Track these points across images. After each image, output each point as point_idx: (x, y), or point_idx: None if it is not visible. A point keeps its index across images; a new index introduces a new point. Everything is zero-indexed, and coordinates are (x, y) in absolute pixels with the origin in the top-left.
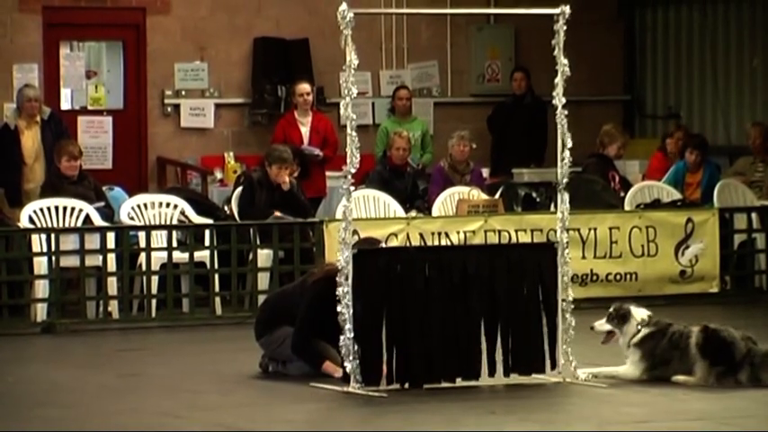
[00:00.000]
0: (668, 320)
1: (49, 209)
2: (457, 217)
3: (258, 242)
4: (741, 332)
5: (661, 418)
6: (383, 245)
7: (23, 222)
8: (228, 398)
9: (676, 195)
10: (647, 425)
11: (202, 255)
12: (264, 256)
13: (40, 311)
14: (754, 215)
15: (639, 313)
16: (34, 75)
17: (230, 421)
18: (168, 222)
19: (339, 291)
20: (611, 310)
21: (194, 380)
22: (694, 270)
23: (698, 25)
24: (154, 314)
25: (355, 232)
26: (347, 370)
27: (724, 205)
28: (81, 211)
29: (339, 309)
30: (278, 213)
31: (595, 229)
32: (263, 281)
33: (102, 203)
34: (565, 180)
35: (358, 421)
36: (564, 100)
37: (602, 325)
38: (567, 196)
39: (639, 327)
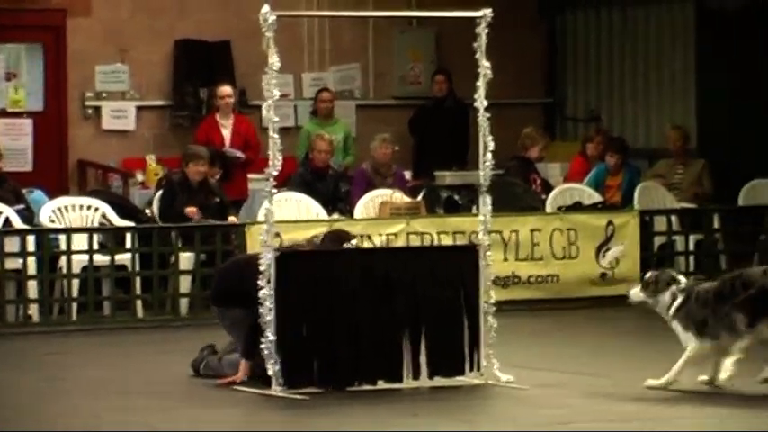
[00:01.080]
0: (700, 280)
1: None
2: (379, 219)
3: (180, 245)
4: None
5: (582, 419)
6: (354, 241)
7: None
8: (153, 400)
9: (597, 198)
10: (568, 425)
11: (124, 258)
12: (186, 258)
13: None
14: (673, 218)
15: (675, 281)
16: None
17: (156, 423)
18: (89, 225)
19: (261, 293)
20: (647, 276)
21: (119, 383)
22: (615, 272)
23: (619, 28)
24: (74, 317)
25: (277, 235)
26: (269, 373)
27: (644, 208)
28: (0, 213)
29: (261, 310)
30: (193, 209)
31: (517, 232)
32: (185, 284)
33: (22, 206)
34: (486, 182)
35: (280, 424)
36: (485, 102)
37: (637, 294)
38: (488, 199)
39: (674, 295)
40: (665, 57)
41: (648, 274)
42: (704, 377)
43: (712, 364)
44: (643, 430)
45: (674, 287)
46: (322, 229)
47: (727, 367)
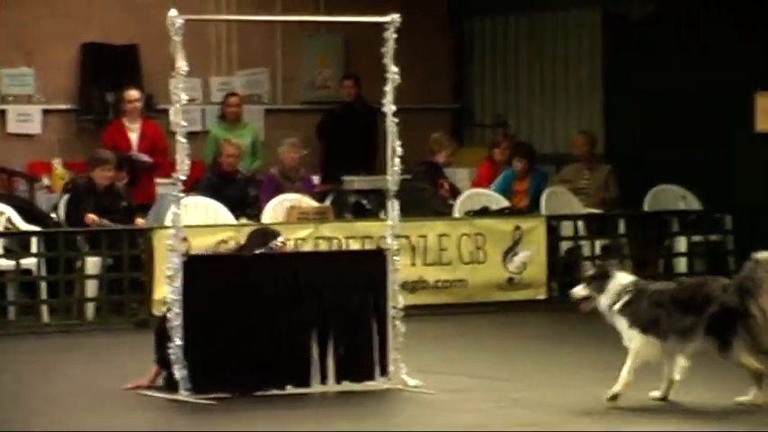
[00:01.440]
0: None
1: None
2: (287, 224)
3: (86, 249)
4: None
5: (491, 425)
6: (281, 239)
7: None
8: (58, 405)
9: (504, 203)
10: (477, 430)
11: (29, 262)
12: (93, 263)
13: None
14: (580, 223)
15: (621, 278)
16: None
17: (60, 428)
18: None
19: (168, 298)
20: (590, 272)
21: (24, 388)
22: (522, 277)
23: (527, 34)
24: None
25: (185, 239)
26: (176, 377)
27: (551, 213)
28: None
29: (168, 315)
30: (93, 216)
31: (425, 237)
32: (92, 288)
33: None
34: (395, 187)
35: (187, 429)
36: (394, 108)
37: (580, 291)
38: (396, 203)
39: (619, 292)
40: (571, 63)
41: (591, 270)
42: (656, 393)
43: (664, 379)
44: None
45: (619, 283)
46: (230, 233)
47: (682, 369)
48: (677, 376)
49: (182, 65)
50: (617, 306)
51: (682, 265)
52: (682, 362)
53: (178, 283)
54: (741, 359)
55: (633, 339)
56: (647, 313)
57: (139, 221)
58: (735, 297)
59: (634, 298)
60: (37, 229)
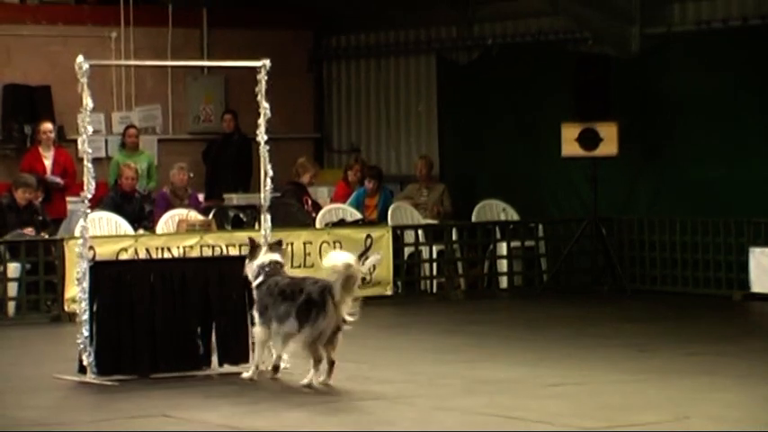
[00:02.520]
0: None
1: None
2: (177, 234)
3: (8, 257)
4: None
5: (344, 399)
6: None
7: None
8: None
9: (358, 216)
10: (334, 405)
11: None
12: (13, 267)
13: None
14: (420, 231)
15: (267, 256)
16: None
17: None
18: None
19: (77, 296)
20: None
21: None
22: (373, 277)
23: (374, 76)
24: None
25: (91, 248)
26: (84, 363)
27: (396, 224)
28: None
29: (77, 311)
30: (28, 230)
31: (292, 244)
32: (13, 289)
33: None
34: (267, 203)
35: (93, 406)
36: (266, 137)
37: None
38: (269, 216)
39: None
40: (412, 99)
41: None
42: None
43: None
44: (396, 403)
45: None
46: (129, 243)
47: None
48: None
49: (88, 102)
50: (255, 283)
51: (503, 265)
52: (290, 347)
53: (86, 284)
54: (304, 342)
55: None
56: (263, 300)
57: (27, 231)
58: (319, 293)
59: (261, 284)
60: None
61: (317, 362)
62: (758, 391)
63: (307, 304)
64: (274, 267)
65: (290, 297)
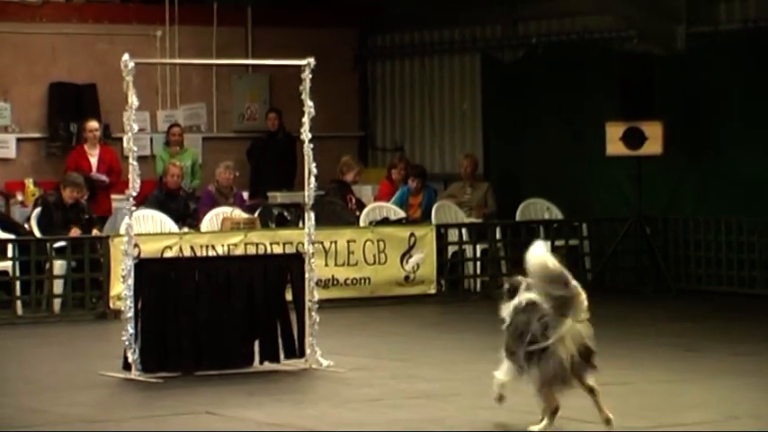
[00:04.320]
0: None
1: None
2: (222, 232)
3: (54, 254)
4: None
5: (390, 397)
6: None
7: None
8: (31, 385)
9: (401, 214)
10: (380, 401)
11: (5, 265)
12: (59, 265)
13: None
14: (464, 230)
15: (524, 295)
16: None
17: (34, 405)
18: None
19: (122, 293)
20: (506, 286)
21: (2, 370)
22: (416, 275)
23: (419, 75)
24: None
25: (136, 245)
26: (129, 360)
27: (440, 222)
28: None
29: (122, 308)
30: (77, 230)
31: (336, 242)
32: (58, 286)
33: None
34: (311, 202)
35: (137, 403)
36: (310, 135)
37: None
38: (312, 215)
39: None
40: (456, 98)
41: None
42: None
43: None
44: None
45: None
46: (174, 240)
47: None
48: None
49: (133, 100)
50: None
51: None
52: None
53: (131, 281)
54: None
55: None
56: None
57: (75, 232)
58: (542, 331)
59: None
60: (12, 237)
61: (550, 411)
62: None
63: (530, 345)
64: (528, 307)
65: (520, 337)
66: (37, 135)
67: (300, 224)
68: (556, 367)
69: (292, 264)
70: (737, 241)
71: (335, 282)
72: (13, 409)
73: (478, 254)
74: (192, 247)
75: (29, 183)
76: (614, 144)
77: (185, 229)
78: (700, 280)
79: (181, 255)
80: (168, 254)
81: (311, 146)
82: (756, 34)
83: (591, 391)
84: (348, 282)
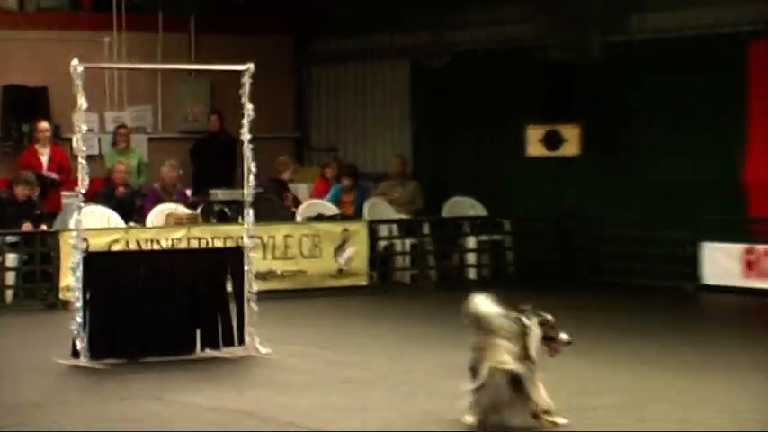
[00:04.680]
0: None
1: None
2: (166, 227)
3: (7, 248)
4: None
5: (322, 383)
6: None
7: None
8: None
9: (335, 211)
10: (314, 387)
11: None
12: (11, 258)
13: None
14: (394, 226)
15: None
16: None
17: None
18: None
19: (71, 284)
20: (545, 317)
21: None
22: (349, 268)
23: (352, 80)
24: None
25: (85, 240)
26: (78, 348)
27: (371, 218)
28: None
29: (72, 299)
30: (29, 224)
31: (274, 237)
32: (11, 278)
33: None
34: (250, 199)
35: (86, 388)
36: (249, 136)
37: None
38: (251, 211)
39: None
40: (387, 102)
41: (544, 317)
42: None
43: None
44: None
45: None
46: (120, 235)
47: None
48: None
49: (82, 102)
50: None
51: (471, 258)
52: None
53: (79, 273)
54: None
55: None
56: None
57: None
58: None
59: None
60: None
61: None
62: None
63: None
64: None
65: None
66: None
67: (240, 220)
68: (488, 400)
69: (232, 257)
70: (647, 237)
71: (273, 274)
72: None
73: (408, 248)
74: (137, 241)
75: None
76: (534, 145)
77: (131, 224)
78: (613, 273)
79: (127, 248)
80: (115, 247)
81: (251, 146)
82: (667, 44)
83: (534, 416)
84: (285, 274)
